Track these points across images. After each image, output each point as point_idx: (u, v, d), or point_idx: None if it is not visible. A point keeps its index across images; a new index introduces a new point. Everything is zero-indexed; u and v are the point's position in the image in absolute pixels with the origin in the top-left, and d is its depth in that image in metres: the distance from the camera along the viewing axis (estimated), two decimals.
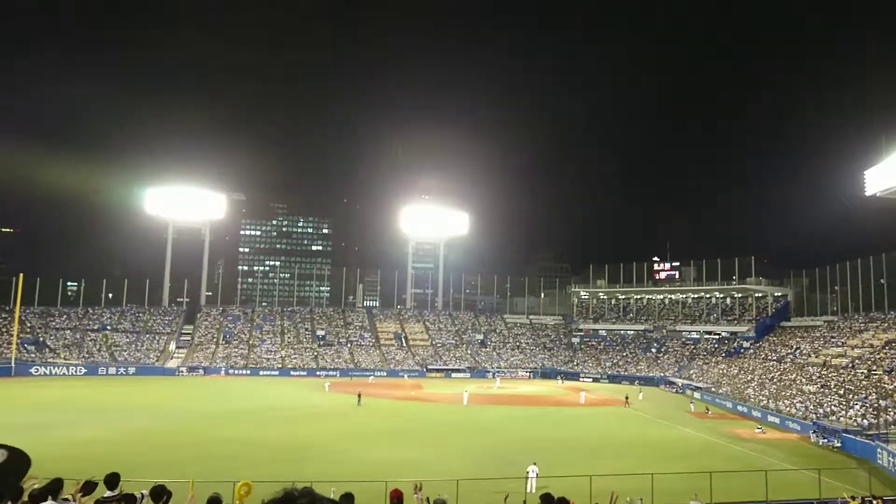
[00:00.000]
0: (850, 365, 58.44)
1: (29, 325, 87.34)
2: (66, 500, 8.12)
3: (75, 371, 78.88)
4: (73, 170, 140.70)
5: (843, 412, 47.10)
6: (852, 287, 77.00)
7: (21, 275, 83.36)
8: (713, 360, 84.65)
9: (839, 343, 66.15)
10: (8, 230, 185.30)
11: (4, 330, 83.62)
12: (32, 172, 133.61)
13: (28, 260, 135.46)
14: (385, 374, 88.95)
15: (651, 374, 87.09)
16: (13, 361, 76.19)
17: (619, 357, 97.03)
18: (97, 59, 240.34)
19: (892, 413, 44.30)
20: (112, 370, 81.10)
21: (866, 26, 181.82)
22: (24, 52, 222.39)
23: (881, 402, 46.39)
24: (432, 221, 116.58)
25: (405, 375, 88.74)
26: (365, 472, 27.07)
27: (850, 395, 50.48)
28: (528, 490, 25.77)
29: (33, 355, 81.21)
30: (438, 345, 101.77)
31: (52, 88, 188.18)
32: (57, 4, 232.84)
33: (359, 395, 57.23)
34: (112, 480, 8.82)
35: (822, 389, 54.80)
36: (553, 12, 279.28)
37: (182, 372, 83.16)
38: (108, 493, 8.69)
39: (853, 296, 76.48)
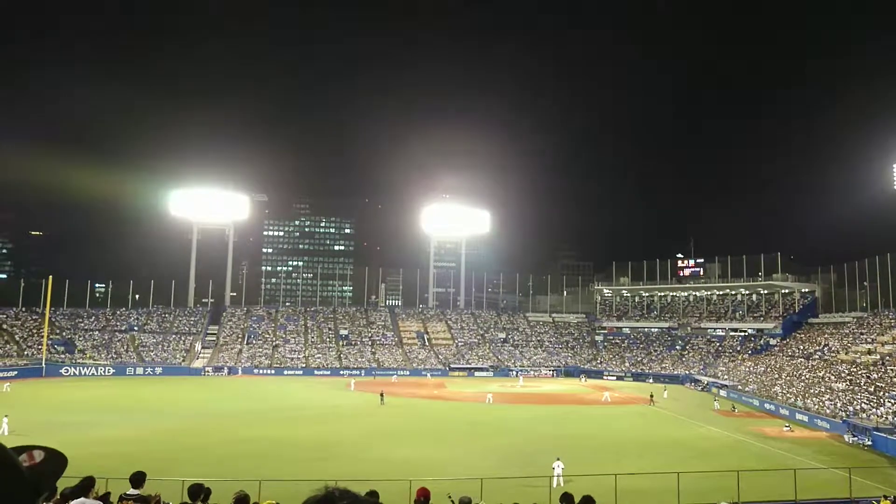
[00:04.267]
0: (881, 362, 57.32)
1: (58, 326, 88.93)
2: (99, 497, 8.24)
3: (104, 371, 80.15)
4: (100, 173, 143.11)
5: (874, 410, 46.24)
6: (881, 282, 75.54)
7: (50, 277, 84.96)
8: (739, 357, 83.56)
9: (869, 339, 64.92)
10: (37, 233, 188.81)
11: (35, 331, 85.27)
12: (60, 177, 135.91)
13: (57, 262, 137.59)
14: (408, 373, 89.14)
15: (676, 372, 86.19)
16: (44, 362, 77.74)
17: (643, 355, 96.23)
18: (122, 64, 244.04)
19: None
20: (139, 370, 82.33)
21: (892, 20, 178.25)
22: (52, 59, 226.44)
23: None
24: (453, 220, 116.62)
25: (428, 374, 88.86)
26: (389, 471, 27.15)
27: (881, 393, 49.53)
28: (554, 486, 25.69)
29: (63, 356, 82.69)
30: (461, 343, 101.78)
31: (78, 93, 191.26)
32: (86, 8, 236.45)
33: (381, 395, 57.48)
34: (138, 479, 8.90)
35: (851, 387, 53.85)
36: (576, 12, 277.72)
37: (208, 372, 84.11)
38: (131, 491, 8.78)
39: (882, 291, 75.01)
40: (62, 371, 77.84)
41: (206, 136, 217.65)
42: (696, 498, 23.11)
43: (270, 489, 19.86)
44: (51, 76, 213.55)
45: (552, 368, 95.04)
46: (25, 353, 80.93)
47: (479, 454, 35.26)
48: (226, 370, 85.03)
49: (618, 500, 22.63)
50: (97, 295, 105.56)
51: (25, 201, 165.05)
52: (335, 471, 24.99)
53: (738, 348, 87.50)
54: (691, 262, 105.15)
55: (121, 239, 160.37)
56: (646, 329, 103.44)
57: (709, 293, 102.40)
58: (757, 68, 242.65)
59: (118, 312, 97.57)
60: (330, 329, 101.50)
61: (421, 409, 56.47)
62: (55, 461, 2.15)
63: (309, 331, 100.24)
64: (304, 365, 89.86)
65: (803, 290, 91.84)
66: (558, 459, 27.98)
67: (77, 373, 78.57)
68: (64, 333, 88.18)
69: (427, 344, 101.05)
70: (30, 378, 71.76)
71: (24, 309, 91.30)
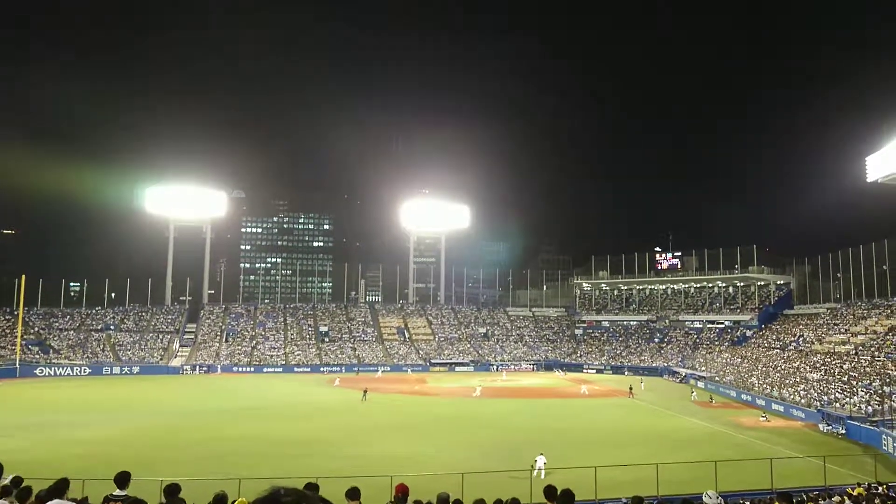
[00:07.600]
0: (854, 352, 58.39)
1: (32, 326, 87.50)
2: (74, 500, 8.11)
3: (80, 371, 79.00)
4: (74, 170, 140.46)
5: (848, 399, 47.07)
6: (855, 274, 76.95)
7: (23, 276, 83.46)
8: (717, 349, 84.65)
9: (842, 330, 66.09)
10: (9, 231, 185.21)
11: (8, 331, 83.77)
12: (32, 173, 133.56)
13: (30, 261, 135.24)
14: (388, 368, 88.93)
15: (654, 365, 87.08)
16: (18, 363, 76.33)
17: (622, 348, 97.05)
18: (96, 58, 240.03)
19: None
20: (116, 370, 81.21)
21: (867, 13, 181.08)
22: (24, 52, 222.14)
23: (885, 388, 46.31)
24: (433, 215, 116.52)
25: (409, 370, 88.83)
26: (370, 467, 27.11)
27: (854, 382, 50.44)
28: (534, 476, 25.84)
29: (37, 356, 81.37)
30: (441, 339, 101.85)
31: (51, 88, 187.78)
32: (57, 4, 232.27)
33: (364, 391, 57.34)
34: (122, 479, 8.75)
35: (825, 377, 54.76)
36: (554, 12, 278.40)
37: (186, 370, 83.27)
38: (117, 492, 8.64)
39: (856, 282, 76.43)
40: (37, 371, 76.59)
41: (182, 133, 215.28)
42: (675, 488, 23.33)
43: (250, 487, 19.72)
44: (23, 70, 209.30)
45: (532, 362, 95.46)
46: None
47: (460, 448, 35.32)
48: (204, 368, 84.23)
49: (598, 492, 22.80)
50: (72, 294, 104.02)
51: None
52: (316, 468, 24.84)
53: (716, 340, 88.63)
54: (669, 256, 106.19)
55: (95, 237, 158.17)
56: (625, 322, 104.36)
57: (686, 286, 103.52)
58: (733, 65, 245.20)
59: (94, 311, 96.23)
60: (310, 326, 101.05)
61: (402, 405, 56.40)
62: None
63: (288, 328, 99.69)
64: (283, 362, 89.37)
65: (779, 282, 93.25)
66: (541, 454, 28.19)
67: (52, 373, 77.35)
68: (38, 333, 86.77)
69: (407, 339, 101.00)
70: (3, 379, 70.43)
71: None
